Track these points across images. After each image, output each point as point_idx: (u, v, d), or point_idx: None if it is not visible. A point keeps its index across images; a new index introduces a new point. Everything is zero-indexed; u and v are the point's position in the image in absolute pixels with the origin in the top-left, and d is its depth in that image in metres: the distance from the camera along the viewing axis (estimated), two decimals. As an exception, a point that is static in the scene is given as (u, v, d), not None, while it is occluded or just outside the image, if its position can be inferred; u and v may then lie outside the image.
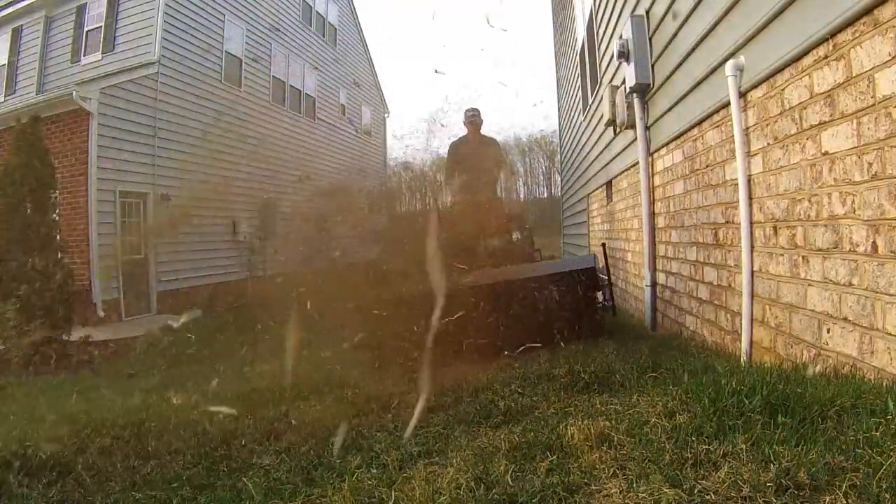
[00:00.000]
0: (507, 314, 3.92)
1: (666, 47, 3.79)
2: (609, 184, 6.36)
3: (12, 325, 6.33)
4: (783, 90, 2.25)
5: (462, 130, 5.84)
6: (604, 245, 5.57)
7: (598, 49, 6.54)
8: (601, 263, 4.65)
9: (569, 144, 11.18)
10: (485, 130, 5.83)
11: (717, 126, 2.98)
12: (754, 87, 2.50)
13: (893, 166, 1.62)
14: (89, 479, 1.91)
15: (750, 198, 2.59)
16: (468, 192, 5.37)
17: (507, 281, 4.04)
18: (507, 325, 3.91)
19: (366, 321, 4.29)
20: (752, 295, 2.58)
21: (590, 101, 7.45)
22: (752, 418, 1.54)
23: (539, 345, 3.70)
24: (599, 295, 4.16)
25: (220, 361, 5.72)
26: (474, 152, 5.61)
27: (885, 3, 1.64)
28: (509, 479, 1.45)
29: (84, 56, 11.12)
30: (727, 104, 2.72)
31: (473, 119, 5.62)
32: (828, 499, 1.13)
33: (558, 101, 13.29)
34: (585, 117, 8.06)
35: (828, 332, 1.99)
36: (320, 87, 16.87)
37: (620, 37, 4.42)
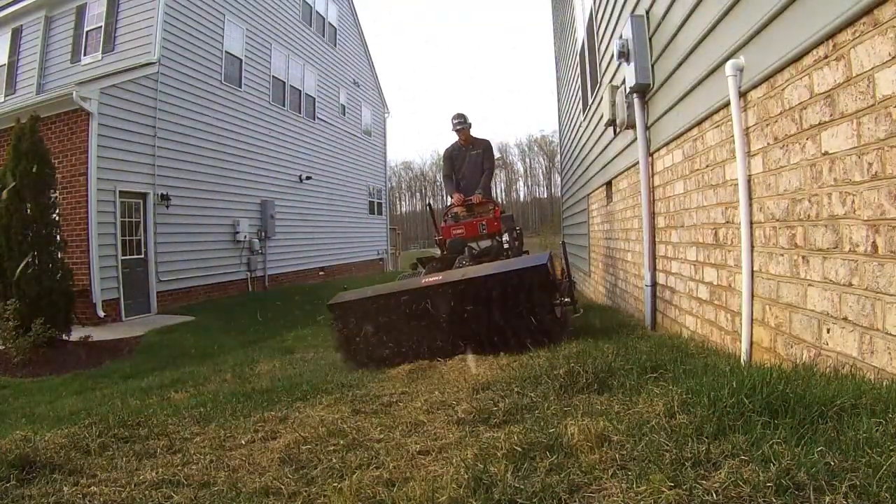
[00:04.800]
0: (448, 316, 3.85)
1: (666, 47, 3.79)
2: (609, 184, 6.36)
3: (12, 325, 6.33)
4: (783, 90, 2.25)
5: None
6: (563, 243, 5.55)
7: (598, 49, 6.54)
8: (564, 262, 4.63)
9: (569, 144, 11.18)
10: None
11: (718, 126, 2.99)
12: (754, 87, 2.50)
13: (893, 166, 1.62)
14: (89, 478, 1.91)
15: (750, 198, 2.59)
16: (463, 196, 5.41)
17: (448, 283, 3.93)
18: (446, 327, 3.84)
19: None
20: (752, 295, 2.58)
21: (590, 101, 7.45)
22: (752, 418, 1.54)
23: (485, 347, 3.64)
24: (558, 295, 4.02)
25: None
26: (465, 157, 5.63)
27: (885, 2, 1.64)
28: (509, 479, 1.45)
29: (84, 56, 11.13)
30: (727, 104, 2.72)
31: (460, 126, 5.58)
32: (828, 499, 1.13)
33: (558, 102, 13.29)
34: (585, 117, 8.06)
35: (828, 332, 1.99)
36: (320, 87, 16.87)
37: (620, 37, 4.42)
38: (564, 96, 11.88)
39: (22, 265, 6.61)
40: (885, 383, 1.62)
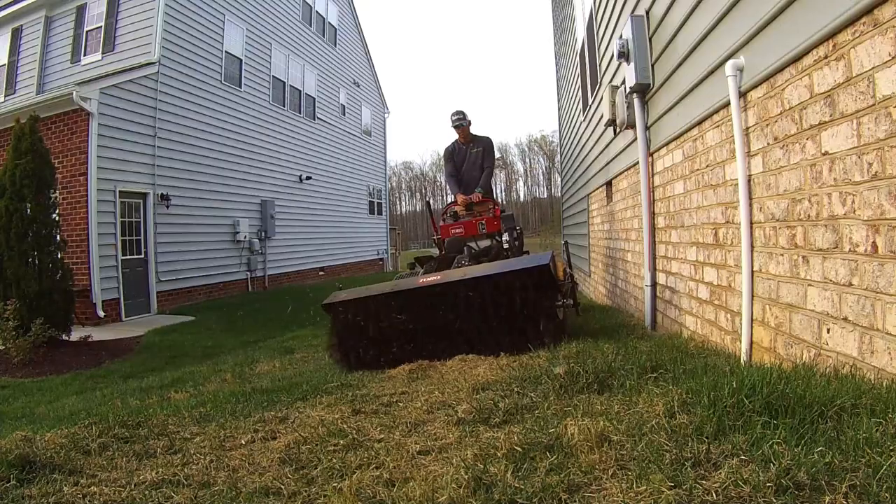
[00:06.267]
0: (445, 317, 3.74)
1: (666, 47, 3.79)
2: (609, 184, 6.36)
3: (12, 325, 6.34)
4: (783, 90, 2.25)
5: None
6: (565, 243, 5.41)
7: (598, 49, 6.54)
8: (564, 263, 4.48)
9: (569, 144, 11.18)
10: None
11: (717, 126, 2.99)
12: (754, 87, 2.50)
13: (893, 166, 1.62)
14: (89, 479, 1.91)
15: (750, 198, 2.59)
16: (463, 195, 5.31)
17: (446, 283, 3.80)
18: (444, 328, 3.74)
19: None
20: (752, 295, 2.58)
21: (590, 101, 7.45)
22: (752, 418, 1.54)
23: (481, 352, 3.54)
24: (560, 297, 3.88)
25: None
26: (465, 155, 5.53)
27: (885, 2, 1.64)
28: (509, 479, 1.45)
29: (84, 56, 11.13)
30: (727, 104, 2.72)
31: (459, 123, 5.45)
32: (828, 499, 1.13)
33: (558, 101, 13.29)
34: (585, 117, 8.07)
35: (828, 332, 1.99)
36: (320, 87, 16.87)
37: (620, 37, 4.42)
38: (564, 96, 11.88)
39: (22, 265, 6.61)
40: (885, 383, 1.62)
